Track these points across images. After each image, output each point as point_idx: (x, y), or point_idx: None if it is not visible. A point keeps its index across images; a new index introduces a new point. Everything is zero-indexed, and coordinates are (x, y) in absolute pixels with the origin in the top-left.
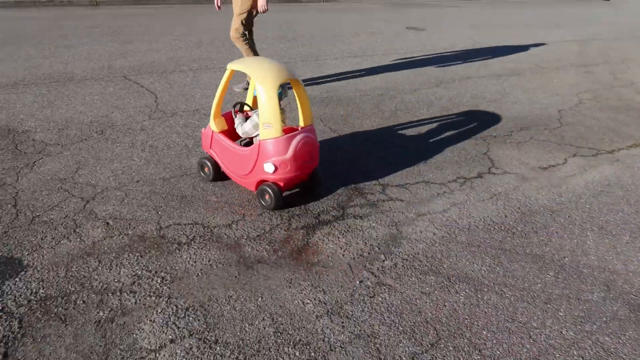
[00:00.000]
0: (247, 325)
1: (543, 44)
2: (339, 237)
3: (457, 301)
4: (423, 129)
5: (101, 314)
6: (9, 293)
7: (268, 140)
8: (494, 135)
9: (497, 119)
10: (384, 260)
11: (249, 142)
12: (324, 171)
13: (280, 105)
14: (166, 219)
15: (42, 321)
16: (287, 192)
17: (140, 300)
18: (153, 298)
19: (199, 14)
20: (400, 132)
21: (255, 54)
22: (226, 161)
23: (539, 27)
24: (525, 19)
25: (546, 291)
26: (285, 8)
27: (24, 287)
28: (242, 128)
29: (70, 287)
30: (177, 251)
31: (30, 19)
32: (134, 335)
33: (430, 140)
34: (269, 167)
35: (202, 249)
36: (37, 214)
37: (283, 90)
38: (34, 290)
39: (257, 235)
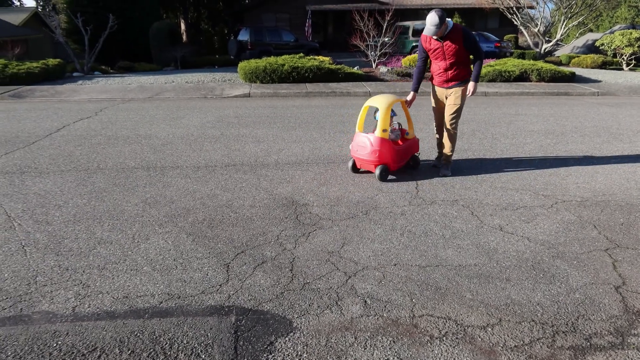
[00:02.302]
0: None
1: None
2: None
3: None
4: None
5: None
6: (280, 350)
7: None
8: None
9: None
10: None
11: None
12: (595, 281)
13: (392, 121)
14: (420, 308)
15: None
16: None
17: None
18: None
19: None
20: None
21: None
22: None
23: None
24: None
25: None
26: (553, 101)
27: (292, 348)
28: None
29: (329, 358)
30: (429, 344)
31: (316, 107)
32: None
33: None
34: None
35: (454, 347)
36: (308, 281)
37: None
38: (299, 353)
39: (515, 346)
